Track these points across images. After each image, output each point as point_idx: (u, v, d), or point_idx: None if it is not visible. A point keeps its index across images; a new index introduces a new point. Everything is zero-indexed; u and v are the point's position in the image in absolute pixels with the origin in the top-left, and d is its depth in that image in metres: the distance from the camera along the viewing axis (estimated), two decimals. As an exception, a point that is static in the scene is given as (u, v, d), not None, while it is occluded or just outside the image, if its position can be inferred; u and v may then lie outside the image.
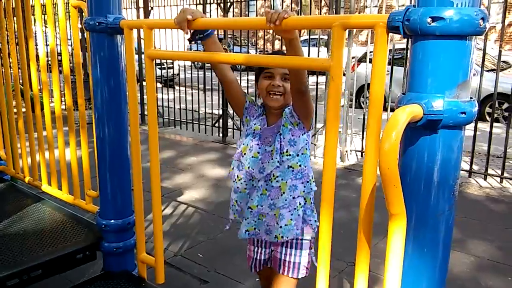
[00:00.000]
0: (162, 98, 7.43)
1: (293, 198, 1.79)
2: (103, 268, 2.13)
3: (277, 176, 1.76)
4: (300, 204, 1.81)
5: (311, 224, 1.84)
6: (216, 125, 6.55)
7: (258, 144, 1.80)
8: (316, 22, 1.36)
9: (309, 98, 1.72)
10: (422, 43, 1.07)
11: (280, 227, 1.80)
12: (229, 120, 6.42)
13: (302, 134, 1.77)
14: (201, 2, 6.36)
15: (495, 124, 6.90)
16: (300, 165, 1.77)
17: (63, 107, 3.38)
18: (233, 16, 6.63)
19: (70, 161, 2.34)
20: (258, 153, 1.79)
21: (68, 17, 3.24)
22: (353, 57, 8.76)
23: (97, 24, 1.83)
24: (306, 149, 1.81)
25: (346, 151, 5.39)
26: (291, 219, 1.80)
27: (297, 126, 1.76)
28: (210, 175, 4.87)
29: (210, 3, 6.31)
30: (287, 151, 1.76)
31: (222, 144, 6.22)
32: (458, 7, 1.02)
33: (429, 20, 1.03)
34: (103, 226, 2.06)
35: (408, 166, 1.15)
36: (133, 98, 1.85)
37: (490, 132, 4.59)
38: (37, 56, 2.39)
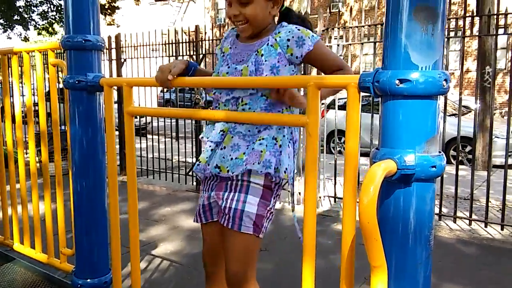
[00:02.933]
0: (135, 147, 7.40)
1: (258, 131, 1.54)
2: (79, 330, 2.04)
3: (245, 104, 1.53)
4: (260, 137, 1.53)
5: (273, 169, 1.52)
6: (190, 173, 6.53)
7: (228, 65, 1.57)
8: (292, 82, 1.43)
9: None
10: (392, 102, 1.15)
11: (231, 159, 1.53)
12: (203, 169, 6.42)
13: (292, 70, 1.54)
14: (173, 54, 6.51)
15: (460, 166, 7.20)
16: None
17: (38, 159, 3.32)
18: (205, 66, 6.78)
19: (44, 216, 2.29)
20: (227, 73, 1.56)
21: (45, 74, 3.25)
22: (322, 103, 9.10)
23: (76, 82, 1.86)
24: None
25: (320, 197, 5.45)
26: (244, 153, 1.53)
27: (292, 59, 1.53)
28: (185, 226, 4.81)
29: (182, 55, 6.45)
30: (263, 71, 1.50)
31: (196, 193, 6.18)
32: (423, 70, 1.11)
33: (397, 82, 1.11)
34: (78, 286, 2.00)
35: (385, 218, 1.20)
36: (111, 151, 1.87)
37: (456, 175, 4.75)
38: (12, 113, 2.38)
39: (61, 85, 2.11)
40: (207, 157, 1.59)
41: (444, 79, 1.11)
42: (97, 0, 1.91)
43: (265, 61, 1.51)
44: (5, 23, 13.49)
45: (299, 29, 1.54)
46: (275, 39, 1.54)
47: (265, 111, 1.55)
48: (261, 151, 1.52)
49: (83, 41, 1.85)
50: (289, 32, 1.54)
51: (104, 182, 1.98)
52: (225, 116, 1.50)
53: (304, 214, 1.36)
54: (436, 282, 3.38)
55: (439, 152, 1.17)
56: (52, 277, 2.22)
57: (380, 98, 1.19)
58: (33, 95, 2.99)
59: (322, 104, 9.37)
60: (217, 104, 1.61)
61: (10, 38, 14.35)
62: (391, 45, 1.14)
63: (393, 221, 1.18)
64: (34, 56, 2.13)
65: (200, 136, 1.69)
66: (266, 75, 1.50)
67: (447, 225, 4.75)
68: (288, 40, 1.52)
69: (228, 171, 1.52)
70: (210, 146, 1.58)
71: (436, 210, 4.83)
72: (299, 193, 5.45)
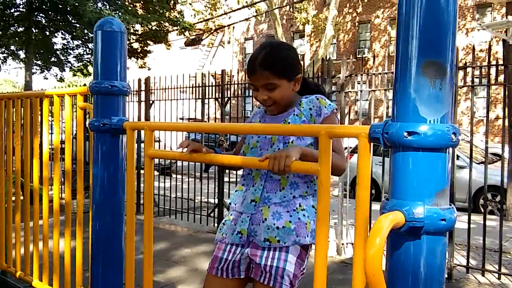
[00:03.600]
0: (159, 187, 7.49)
1: (294, 197, 1.61)
2: None
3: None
4: (301, 206, 1.61)
5: (307, 233, 1.60)
6: (212, 214, 6.54)
7: (258, 135, 1.67)
8: (306, 130, 1.46)
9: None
10: (401, 154, 1.16)
11: (277, 228, 1.58)
12: (225, 210, 6.43)
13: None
14: (200, 97, 6.69)
15: (490, 217, 6.96)
16: None
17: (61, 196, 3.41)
18: (230, 108, 6.93)
19: (63, 254, 2.34)
20: (257, 141, 1.65)
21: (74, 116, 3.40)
22: (345, 148, 9.07)
23: (101, 125, 1.95)
24: None
25: (343, 244, 5.35)
26: (290, 221, 1.58)
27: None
28: (204, 268, 4.75)
29: (208, 98, 6.62)
30: (292, 141, 1.59)
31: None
32: (431, 123, 1.13)
33: (405, 134, 1.13)
34: (92, 327, 2.01)
35: (394, 269, 1.19)
36: (131, 191, 1.92)
37: (484, 225, 4.60)
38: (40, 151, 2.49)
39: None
40: (247, 228, 1.64)
41: (453, 132, 1.13)
42: (125, 48, 2.02)
43: None
44: (42, 65, 14.20)
45: (318, 99, 1.69)
46: (300, 109, 1.68)
47: (296, 177, 1.63)
48: (306, 223, 1.61)
49: (110, 87, 1.95)
50: (310, 102, 1.69)
51: (122, 221, 2.02)
52: (242, 161, 1.54)
53: (315, 263, 1.36)
54: None
55: (450, 204, 1.17)
56: (68, 316, 2.25)
57: (389, 149, 1.21)
58: (61, 134, 3.12)
59: (346, 148, 9.35)
60: (250, 170, 1.70)
61: (46, 78, 15.06)
62: (400, 98, 1.17)
63: (402, 273, 1.17)
64: (64, 99, 2.25)
65: (228, 202, 1.76)
66: (292, 140, 1.60)
67: (475, 278, 4.56)
68: (310, 109, 1.67)
69: (279, 241, 1.57)
70: (246, 217, 1.66)
71: (464, 262, 4.66)
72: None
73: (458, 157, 7.97)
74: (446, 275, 4.41)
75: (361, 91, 5.37)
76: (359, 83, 5.44)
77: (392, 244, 1.19)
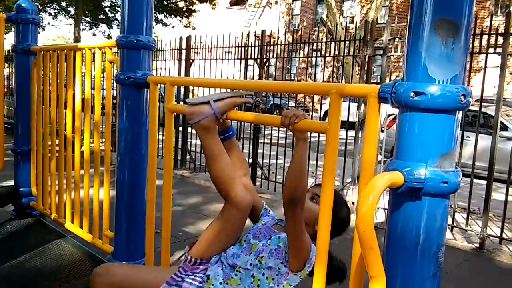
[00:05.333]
0: (196, 144, 7.65)
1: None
2: (112, 308, 2.19)
3: (238, 272, 1.64)
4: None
5: None
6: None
7: (247, 235, 1.74)
8: (315, 88, 1.45)
9: (301, 226, 1.53)
10: (407, 114, 1.14)
11: None
12: (258, 170, 6.51)
13: (283, 265, 1.60)
14: (242, 57, 6.66)
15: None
16: (258, 286, 1.61)
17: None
18: (275, 70, 6.88)
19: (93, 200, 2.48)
20: (244, 240, 1.71)
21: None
22: (389, 115, 8.81)
23: (126, 78, 2.01)
24: (277, 285, 1.61)
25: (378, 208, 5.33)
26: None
27: (283, 259, 1.60)
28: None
29: (247, 58, 6.59)
30: (261, 258, 1.62)
31: (249, 194, 6.28)
32: (440, 84, 1.09)
33: (412, 94, 1.10)
34: (115, 267, 2.14)
35: (394, 229, 1.19)
36: (152, 144, 1.99)
37: (522, 196, 4.42)
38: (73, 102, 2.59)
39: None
40: None
41: (463, 94, 1.09)
42: (151, 2, 2.04)
43: (269, 245, 1.64)
44: (91, 21, 14.51)
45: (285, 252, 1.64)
46: (282, 235, 1.66)
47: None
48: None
49: (135, 41, 1.98)
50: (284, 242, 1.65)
51: (144, 173, 2.10)
52: (254, 118, 1.55)
53: (319, 222, 1.37)
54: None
55: (455, 168, 1.14)
56: (94, 256, 2.40)
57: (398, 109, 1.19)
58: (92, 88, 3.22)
59: (389, 115, 9.08)
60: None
61: (95, 35, 15.42)
62: (410, 57, 1.14)
63: (400, 233, 1.17)
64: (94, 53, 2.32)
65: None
66: (262, 257, 1.63)
67: (509, 249, 4.44)
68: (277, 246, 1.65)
69: None
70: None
71: (498, 233, 4.54)
72: (353, 203, 5.36)
73: (506, 127, 7.62)
74: (477, 245, 4.33)
75: (403, 54, 5.17)
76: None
77: (393, 203, 1.18)
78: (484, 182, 4.61)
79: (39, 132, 2.93)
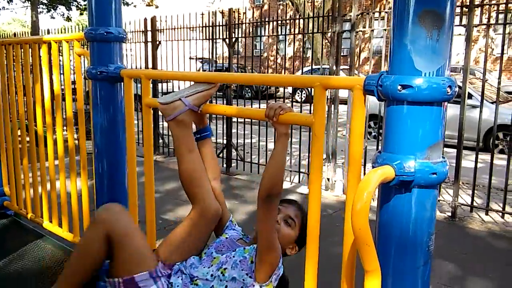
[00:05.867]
0: (168, 127, 7.55)
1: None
2: (99, 307, 2.16)
3: (196, 286, 1.61)
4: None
5: None
6: (220, 155, 6.62)
7: (212, 246, 1.72)
8: (299, 81, 1.43)
9: (273, 224, 1.54)
10: (394, 107, 1.14)
11: None
12: (233, 151, 6.50)
13: (248, 276, 1.58)
14: (208, 37, 6.54)
15: (501, 156, 6.93)
16: None
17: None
18: (245, 47, 6.79)
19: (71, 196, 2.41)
20: (205, 253, 1.69)
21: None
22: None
23: (98, 73, 1.93)
24: None
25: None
26: None
27: (249, 269, 1.59)
28: (212, 207, 4.91)
29: (215, 38, 6.48)
30: (224, 269, 1.60)
31: (225, 175, 6.28)
32: (426, 76, 1.09)
33: (399, 87, 1.10)
34: (100, 265, 2.10)
35: (384, 222, 1.20)
36: (130, 138, 1.94)
37: (491, 164, 4.58)
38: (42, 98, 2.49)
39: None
40: None
41: (449, 85, 1.09)
42: (120, -9, 1.95)
43: (233, 256, 1.62)
44: (48, 3, 13.90)
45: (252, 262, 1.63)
46: (249, 247, 1.67)
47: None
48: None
49: (105, 33, 1.90)
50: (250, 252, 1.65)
51: (123, 165, 2.05)
52: (237, 112, 1.53)
53: (309, 210, 1.37)
54: (462, 275, 3.34)
55: (442, 158, 1.16)
56: (77, 256, 2.35)
57: (384, 102, 1.18)
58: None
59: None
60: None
61: (53, 17, 14.80)
62: (396, 50, 1.13)
63: (392, 226, 1.18)
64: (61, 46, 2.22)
65: None
66: (225, 268, 1.61)
67: (479, 216, 4.63)
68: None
69: None
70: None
71: (469, 201, 4.71)
72: (328, 179, 5.44)
73: (471, 96, 7.82)
74: (450, 214, 4.48)
75: (372, 30, 5.18)
76: (376, 20, 5.22)
77: (383, 196, 1.19)
78: (454, 150, 4.74)
79: (7, 128, 2.81)
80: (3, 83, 2.77)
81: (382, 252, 1.20)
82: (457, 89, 1.13)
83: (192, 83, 1.70)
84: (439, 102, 1.11)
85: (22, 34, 10.63)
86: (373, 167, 1.17)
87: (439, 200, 4.79)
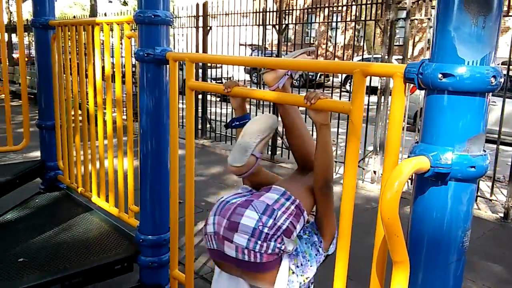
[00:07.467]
0: (216, 112, 7.66)
1: None
2: (139, 280, 2.26)
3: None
4: None
5: None
6: (269, 142, 6.64)
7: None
8: (338, 67, 1.41)
9: (332, 205, 1.60)
10: (434, 96, 1.10)
11: None
12: (278, 138, 6.51)
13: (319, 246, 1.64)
14: (260, 23, 6.54)
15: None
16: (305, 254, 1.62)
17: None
18: (294, 34, 6.75)
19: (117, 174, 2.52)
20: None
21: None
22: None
23: (145, 55, 1.99)
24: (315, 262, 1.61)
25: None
26: None
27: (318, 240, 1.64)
28: (255, 193, 4.96)
29: (265, 24, 6.46)
30: (308, 233, 1.66)
31: (270, 162, 6.31)
32: (470, 65, 1.04)
33: (440, 76, 1.06)
34: (141, 240, 2.20)
35: (418, 214, 1.17)
36: (174, 120, 2.00)
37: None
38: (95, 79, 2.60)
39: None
40: None
41: (493, 75, 1.04)
42: (169, -25, 1.99)
43: None
44: (107, -13, 14.36)
45: None
46: None
47: None
48: None
49: (153, 16, 1.95)
50: None
51: (167, 146, 2.12)
52: (276, 97, 1.53)
53: (342, 200, 1.37)
54: (509, 279, 3.20)
55: (483, 151, 1.11)
56: (122, 230, 2.46)
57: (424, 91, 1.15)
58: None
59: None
60: None
61: (111, 1, 15.29)
62: (439, 36, 1.09)
63: (426, 219, 1.15)
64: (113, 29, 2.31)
65: None
66: None
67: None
68: None
69: None
70: None
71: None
72: (374, 172, 5.34)
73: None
74: (502, 215, 4.28)
75: (428, 18, 4.98)
76: (433, 8, 5.00)
77: (418, 188, 1.16)
78: (510, 148, 4.51)
79: (62, 106, 2.97)
80: (59, 63, 2.91)
81: (414, 245, 1.18)
82: (502, 80, 1.08)
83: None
84: (482, 92, 1.06)
85: (81, 17, 11.08)
86: (409, 157, 1.14)
87: (491, 200, 4.59)
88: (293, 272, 1.53)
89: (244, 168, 1.60)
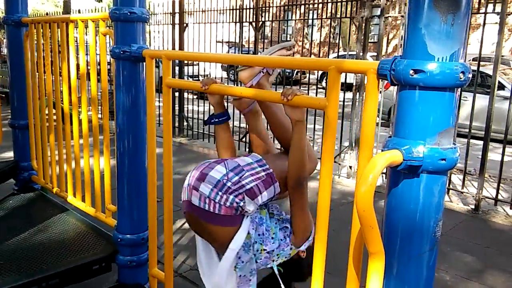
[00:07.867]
0: (193, 110, 7.63)
1: None
2: (118, 279, 2.25)
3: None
4: None
5: None
6: (244, 139, 6.66)
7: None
8: (314, 64, 1.44)
9: (306, 205, 1.63)
10: (406, 92, 1.14)
11: None
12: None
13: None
14: (236, 21, 6.54)
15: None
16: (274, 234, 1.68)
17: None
18: (271, 32, 6.77)
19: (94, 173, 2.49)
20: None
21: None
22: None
23: (121, 52, 1.98)
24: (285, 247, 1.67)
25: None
26: None
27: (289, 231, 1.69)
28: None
29: (242, 21, 6.47)
30: (281, 217, 1.75)
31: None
32: (440, 61, 1.08)
33: (411, 72, 1.10)
34: (119, 239, 2.19)
35: (392, 206, 1.21)
36: (151, 118, 1.99)
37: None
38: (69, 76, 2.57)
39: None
40: None
41: (462, 71, 1.08)
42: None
43: None
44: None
45: None
46: None
47: None
48: None
49: (129, 13, 1.94)
50: None
51: (144, 144, 2.11)
52: (253, 94, 1.55)
53: (319, 195, 1.39)
54: (481, 268, 3.30)
55: (453, 144, 1.15)
56: (99, 230, 2.44)
57: (397, 86, 1.18)
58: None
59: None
60: None
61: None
62: (410, 34, 1.12)
63: (399, 210, 1.19)
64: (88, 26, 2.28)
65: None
66: None
67: (504, 210, 4.53)
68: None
69: None
70: None
71: (494, 194, 4.62)
72: (350, 167, 5.42)
73: (503, 87, 7.59)
74: (473, 207, 4.40)
75: (402, 16, 5.08)
76: (406, 4, 5.09)
77: (392, 181, 1.20)
78: (481, 142, 4.63)
79: (35, 105, 2.92)
80: (32, 61, 2.86)
81: (389, 236, 1.21)
82: (471, 75, 1.12)
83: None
84: (451, 88, 1.10)
85: (54, 14, 10.86)
86: (382, 151, 1.17)
87: (463, 193, 4.72)
88: (252, 238, 1.60)
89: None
